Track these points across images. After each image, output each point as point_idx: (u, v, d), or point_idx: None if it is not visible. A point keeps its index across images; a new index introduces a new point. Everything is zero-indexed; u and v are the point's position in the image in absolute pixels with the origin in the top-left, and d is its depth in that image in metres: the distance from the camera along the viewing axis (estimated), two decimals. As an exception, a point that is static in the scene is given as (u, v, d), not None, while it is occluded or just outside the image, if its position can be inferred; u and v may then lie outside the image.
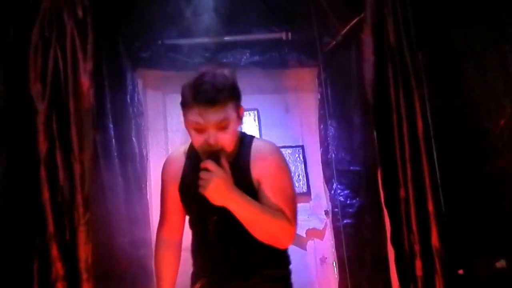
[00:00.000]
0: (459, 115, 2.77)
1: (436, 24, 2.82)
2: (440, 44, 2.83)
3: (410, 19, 2.76)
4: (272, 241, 2.11)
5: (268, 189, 2.12)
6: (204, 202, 2.07)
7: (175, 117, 3.56)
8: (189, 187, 2.23)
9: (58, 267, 2.43)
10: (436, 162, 2.67)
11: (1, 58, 2.53)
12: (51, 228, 2.46)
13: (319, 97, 3.51)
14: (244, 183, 2.10)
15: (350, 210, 3.31)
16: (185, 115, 2.10)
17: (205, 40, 3.35)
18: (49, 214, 2.47)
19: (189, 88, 2.06)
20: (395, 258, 2.75)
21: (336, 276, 3.41)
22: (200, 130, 2.06)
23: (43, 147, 2.51)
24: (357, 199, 3.30)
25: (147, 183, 3.26)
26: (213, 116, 2.02)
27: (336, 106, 3.43)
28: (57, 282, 2.43)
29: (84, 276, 2.46)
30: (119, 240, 2.78)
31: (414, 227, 2.66)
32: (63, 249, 2.45)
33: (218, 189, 2.00)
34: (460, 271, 2.63)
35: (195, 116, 2.04)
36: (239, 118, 2.15)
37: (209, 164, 2.01)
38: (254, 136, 2.30)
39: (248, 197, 2.05)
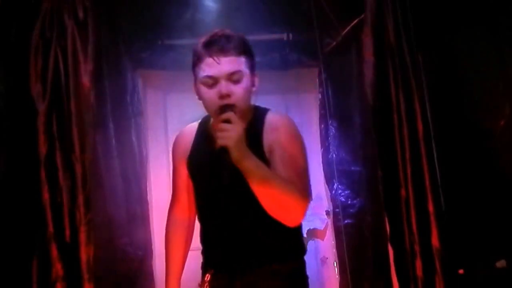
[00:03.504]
0: (459, 116, 2.77)
1: (436, 26, 2.82)
2: (439, 45, 2.83)
3: (410, 20, 2.77)
4: (283, 213, 1.95)
5: (279, 160, 1.99)
6: (212, 176, 2.04)
7: (175, 117, 3.56)
8: (198, 160, 2.17)
9: (58, 268, 2.44)
10: (436, 162, 2.67)
11: (1, 58, 2.53)
12: (51, 228, 2.47)
13: (319, 97, 3.51)
14: (255, 153, 1.93)
15: (351, 210, 3.31)
16: (196, 74, 2.02)
17: (206, 40, 3.35)
18: (49, 214, 2.48)
19: (201, 41, 2.00)
20: (395, 258, 2.75)
21: (337, 276, 3.41)
22: (211, 83, 1.97)
23: (43, 147, 2.52)
24: (358, 199, 3.30)
25: (147, 183, 3.26)
26: (225, 66, 1.95)
27: (337, 106, 3.42)
28: (57, 283, 2.44)
29: (85, 276, 2.47)
30: (119, 240, 2.78)
31: (414, 227, 2.66)
32: (63, 249, 2.46)
33: (239, 142, 1.83)
34: (460, 271, 2.63)
35: (206, 68, 1.96)
36: (253, 82, 2.05)
37: (231, 115, 1.86)
38: (268, 109, 2.17)
39: (260, 161, 1.91)
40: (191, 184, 2.25)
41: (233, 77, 1.96)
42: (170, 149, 3.45)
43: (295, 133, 2.11)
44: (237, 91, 1.97)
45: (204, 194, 2.20)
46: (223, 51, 1.95)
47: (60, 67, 2.61)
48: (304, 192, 2.00)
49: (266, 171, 1.91)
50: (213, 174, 2.05)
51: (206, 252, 2.21)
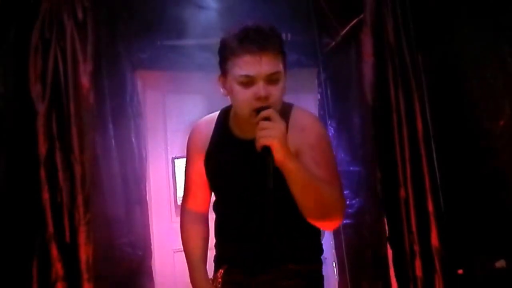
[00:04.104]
0: (458, 116, 2.77)
1: (435, 25, 2.82)
2: (439, 44, 2.83)
3: (410, 20, 2.77)
4: (324, 217, 1.87)
5: (312, 162, 1.87)
6: (231, 175, 1.99)
7: (175, 117, 3.56)
8: (218, 155, 2.05)
9: (58, 267, 2.45)
10: (435, 162, 2.68)
11: (1, 59, 2.53)
12: (51, 228, 2.47)
13: (318, 97, 3.51)
14: None
15: (350, 210, 3.31)
16: (228, 70, 1.87)
17: (205, 40, 3.35)
18: (49, 214, 2.48)
19: (235, 35, 1.84)
20: (394, 258, 2.75)
21: (336, 276, 3.41)
22: (248, 83, 1.82)
23: (43, 148, 2.52)
24: (357, 199, 3.30)
25: (146, 183, 3.25)
26: (265, 66, 1.80)
27: (336, 107, 3.43)
28: (57, 282, 2.44)
29: (85, 276, 2.47)
30: (118, 240, 2.77)
31: (414, 227, 2.67)
32: (63, 249, 2.47)
33: (284, 141, 1.73)
34: (460, 271, 2.63)
35: (244, 66, 1.81)
36: (285, 83, 1.92)
37: (272, 112, 1.75)
38: (292, 104, 2.05)
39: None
40: (205, 178, 2.12)
41: (272, 78, 1.83)
42: (170, 149, 3.51)
43: (323, 132, 2.03)
44: (275, 92, 1.84)
45: (223, 190, 2.11)
46: (263, 50, 1.80)
47: (59, 67, 2.61)
48: (342, 193, 1.94)
49: (308, 173, 1.81)
50: (234, 170, 1.99)
51: (221, 246, 2.13)
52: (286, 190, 1.79)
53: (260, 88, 1.80)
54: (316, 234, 2.06)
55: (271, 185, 1.74)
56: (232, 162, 1.99)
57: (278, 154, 1.71)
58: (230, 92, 1.89)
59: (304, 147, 1.89)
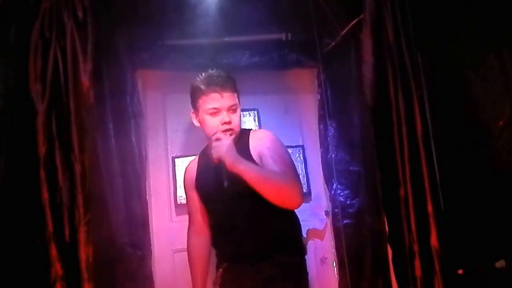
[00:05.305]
0: (458, 116, 2.77)
1: (434, 25, 2.82)
2: (439, 44, 2.83)
3: (409, 20, 2.77)
4: (284, 199, 2.39)
5: (269, 160, 2.45)
6: (214, 186, 2.54)
7: (175, 117, 3.56)
8: (204, 179, 2.68)
9: (57, 267, 2.44)
10: (435, 163, 2.68)
11: (1, 58, 2.53)
12: (50, 228, 2.47)
13: (318, 97, 3.51)
14: (246, 159, 2.43)
15: (350, 210, 3.31)
16: (200, 106, 2.59)
17: (205, 40, 3.35)
18: (49, 214, 2.47)
19: (203, 81, 2.58)
20: (393, 258, 2.75)
21: (336, 276, 3.42)
22: (215, 113, 2.55)
23: (42, 147, 2.52)
24: (357, 199, 3.30)
25: (147, 183, 3.25)
26: (226, 100, 2.55)
27: (336, 107, 3.43)
28: (57, 283, 2.43)
29: (85, 276, 2.47)
30: (119, 240, 2.77)
31: (414, 227, 2.66)
32: (63, 249, 2.46)
33: (230, 152, 2.37)
34: (460, 271, 2.63)
35: (211, 101, 2.54)
36: (240, 112, 2.65)
37: (220, 135, 2.48)
38: (251, 129, 2.76)
39: (251, 163, 2.42)
40: (203, 207, 2.76)
41: (231, 108, 2.58)
42: (170, 149, 3.52)
43: (277, 139, 2.61)
44: (235, 119, 2.59)
45: (213, 205, 2.66)
46: (224, 89, 2.55)
47: (59, 67, 2.60)
48: (296, 177, 2.48)
49: (257, 169, 2.41)
50: (214, 181, 2.55)
51: (218, 252, 2.68)
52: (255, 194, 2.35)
53: (224, 116, 2.55)
54: (296, 231, 2.64)
55: (227, 184, 2.40)
56: (212, 176, 2.57)
57: (227, 162, 2.36)
58: (202, 122, 2.62)
59: (264, 151, 2.51)
